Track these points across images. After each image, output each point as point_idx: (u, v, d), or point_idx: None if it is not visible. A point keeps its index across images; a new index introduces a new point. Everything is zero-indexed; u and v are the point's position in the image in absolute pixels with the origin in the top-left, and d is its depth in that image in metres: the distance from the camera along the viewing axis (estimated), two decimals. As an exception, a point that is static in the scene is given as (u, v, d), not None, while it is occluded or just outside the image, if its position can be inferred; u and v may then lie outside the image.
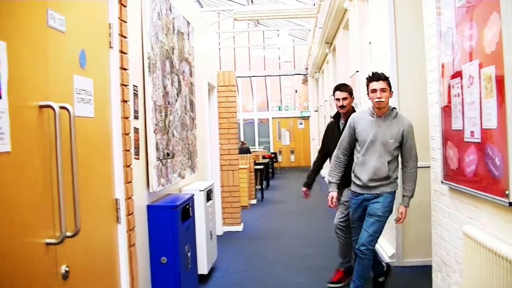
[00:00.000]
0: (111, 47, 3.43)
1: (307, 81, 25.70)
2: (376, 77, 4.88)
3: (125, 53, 3.62)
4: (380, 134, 4.91)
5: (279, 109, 27.19)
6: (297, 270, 6.65)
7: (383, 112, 4.94)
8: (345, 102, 5.84)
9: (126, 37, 3.65)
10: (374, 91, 4.83)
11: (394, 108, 5.03)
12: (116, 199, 3.45)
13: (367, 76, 4.95)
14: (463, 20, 3.64)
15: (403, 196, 5.03)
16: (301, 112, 26.27)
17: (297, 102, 27.72)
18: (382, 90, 4.80)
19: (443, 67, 4.20)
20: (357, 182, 5.08)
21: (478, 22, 3.37)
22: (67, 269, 2.66)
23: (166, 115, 5.40)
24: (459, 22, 3.75)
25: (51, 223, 2.52)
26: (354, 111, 5.89)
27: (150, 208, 4.69)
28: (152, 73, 4.84)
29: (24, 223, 2.30)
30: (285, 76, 26.79)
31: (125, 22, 3.64)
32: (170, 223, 4.81)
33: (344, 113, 5.91)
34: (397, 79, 6.55)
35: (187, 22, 6.64)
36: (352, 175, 5.15)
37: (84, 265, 2.89)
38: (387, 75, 4.92)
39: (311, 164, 6.52)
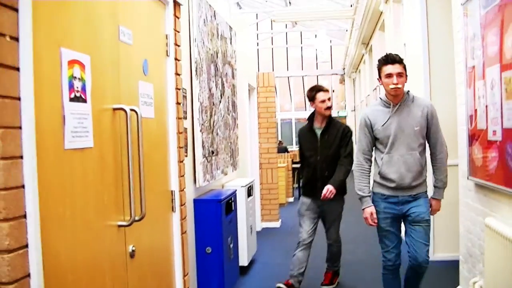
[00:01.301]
0: (167, 56, 3.88)
1: (344, 81, 25.97)
2: (391, 59, 4.26)
3: (178, 60, 4.06)
4: (404, 124, 4.32)
5: (316, 109, 27.43)
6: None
7: (399, 99, 4.34)
8: (330, 103, 5.63)
9: (179, 46, 4.10)
10: (389, 76, 4.22)
11: (409, 91, 4.45)
12: (172, 191, 3.90)
13: (380, 58, 4.37)
14: (487, 26, 3.96)
15: (435, 187, 4.51)
16: (338, 112, 26.47)
17: (334, 101, 27.97)
18: (399, 74, 4.21)
19: (470, 70, 4.52)
20: (388, 184, 4.41)
21: (500, 29, 3.71)
22: (133, 248, 3.11)
23: (211, 115, 5.84)
24: (483, 28, 4.07)
25: (122, 208, 2.97)
26: (330, 116, 5.70)
27: (197, 202, 5.11)
28: (199, 76, 5.28)
29: (102, 207, 2.76)
30: (322, 76, 27.07)
31: (179, 32, 4.09)
32: (215, 215, 5.23)
33: (323, 116, 5.63)
34: (429, 80, 6.83)
35: (230, 26, 7.07)
36: (377, 178, 4.50)
37: (146, 246, 3.34)
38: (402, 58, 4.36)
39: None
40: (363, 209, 4.56)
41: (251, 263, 7.02)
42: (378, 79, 4.45)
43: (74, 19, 2.53)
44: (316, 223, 5.72)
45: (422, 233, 4.37)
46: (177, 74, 4.00)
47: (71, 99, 2.43)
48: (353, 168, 4.79)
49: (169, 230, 3.85)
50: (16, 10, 2.03)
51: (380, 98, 4.50)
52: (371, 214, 4.49)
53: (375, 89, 13.24)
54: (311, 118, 5.76)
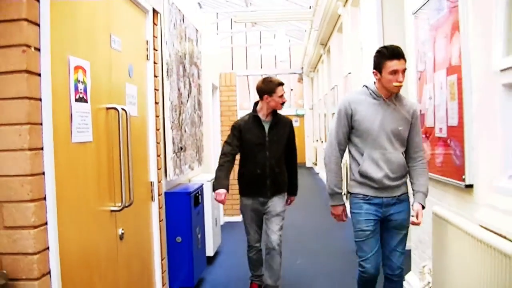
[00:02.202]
0: (148, 59, 4.30)
1: (302, 79, 26.57)
2: (397, 53, 3.83)
3: (156, 63, 4.49)
4: (388, 121, 3.97)
5: (274, 107, 28.00)
6: (294, 254, 7.38)
7: (389, 95, 3.99)
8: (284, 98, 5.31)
9: (157, 50, 4.52)
10: (394, 72, 3.82)
11: None
12: (151, 182, 4.33)
13: (382, 50, 3.93)
14: (436, 34, 4.47)
15: (416, 192, 4.09)
16: (296, 110, 27.07)
17: (293, 100, 28.55)
18: (404, 71, 3.87)
19: (420, 73, 5.01)
20: (370, 183, 4.01)
21: (446, 38, 4.21)
22: (122, 231, 3.54)
23: (179, 114, 6.25)
24: (432, 35, 4.58)
25: (113, 195, 3.39)
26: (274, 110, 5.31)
27: (168, 194, 5.50)
28: (169, 77, 5.69)
29: (98, 194, 3.18)
30: (281, 75, 27.63)
31: (157, 37, 4.51)
32: (185, 207, 5.63)
33: (269, 111, 5.25)
34: None
35: (196, 29, 7.49)
36: (356, 174, 4.09)
37: (132, 230, 3.77)
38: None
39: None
40: (335, 206, 4.18)
41: (216, 254, 7.45)
42: (374, 72, 3.96)
43: (78, 30, 2.95)
44: (262, 225, 5.45)
45: (400, 239, 4.13)
46: (155, 76, 4.43)
47: (76, 100, 2.86)
48: (326, 160, 4.20)
49: (149, 218, 4.28)
50: (38, 25, 2.45)
51: (366, 87, 4.07)
52: (343, 210, 4.21)
53: (333, 88, 13.74)
54: (255, 110, 5.30)
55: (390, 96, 3.98)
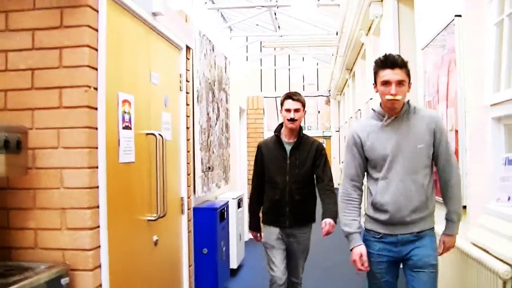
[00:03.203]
0: (181, 90, 4.97)
1: (329, 102, 27.19)
2: (390, 62, 3.38)
3: (188, 93, 5.15)
4: (404, 141, 3.45)
5: (303, 129, 28.64)
6: (313, 270, 7.87)
7: (397, 110, 3.48)
8: (297, 115, 4.72)
9: (189, 81, 5.19)
10: (386, 83, 3.38)
11: (409, 101, 3.55)
12: (182, 197, 4.96)
13: (377, 59, 3.51)
14: (439, 69, 4.98)
15: (447, 220, 3.62)
16: (323, 131, 27.66)
17: (320, 122, 29.16)
18: (399, 83, 3.35)
19: (428, 103, 5.49)
20: (381, 217, 3.51)
21: (446, 73, 4.70)
22: (157, 238, 4.18)
23: (208, 136, 6.91)
24: (436, 70, 5.06)
25: (149, 207, 4.04)
26: (301, 130, 4.87)
27: (196, 210, 6.12)
28: (199, 103, 6.35)
29: (138, 205, 3.84)
30: (308, 97, 28.27)
31: (189, 70, 5.18)
32: (211, 221, 6.27)
33: (291, 130, 4.77)
34: None
35: (225, 56, 8.17)
36: (370, 210, 3.61)
37: (165, 238, 4.40)
38: (405, 60, 3.49)
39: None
40: (351, 249, 3.58)
41: (240, 266, 8.06)
42: (373, 85, 3.59)
43: (125, 70, 3.63)
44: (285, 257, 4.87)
45: (428, 282, 3.48)
46: (187, 104, 5.09)
47: (123, 128, 3.53)
48: (338, 198, 3.77)
49: (179, 228, 4.91)
50: (96, 69, 3.12)
51: (373, 110, 3.63)
52: (361, 255, 3.52)
53: (357, 112, 14.28)
54: (278, 130, 4.89)
55: (397, 112, 3.47)
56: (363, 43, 11.91)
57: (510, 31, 4.01)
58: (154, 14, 4.07)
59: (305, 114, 4.90)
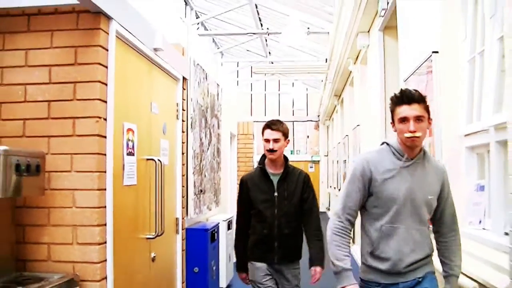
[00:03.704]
0: (177, 118, 5.37)
1: (318, 127, 27.68)
2: (407, 97, 3.17)
3: (184, 121, 5.55)
4: (417, 188, 3.22)
5: (291, 153, 29.04)
6: None
7: (416, 152, 3.25)
8: (277, 146, 4.47)
9: (184, 110, 5.59)
10: (404, 120, 3.15)
11: (423, 147, 3.35)
12: (177, 218, 5.34)
13: (393, 96, 3.29)
14: None
15: (448, 275, 3.39)
16: (312, 156, 28.10)
17: (309, 146, 29.63)
18: (417, 118, 3.12)
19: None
20: (382, 266, 3.25)
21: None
22: (154, 255, 4.55)
23: (200, 161, 7.31)
24: None
25: (149, 225, 4.43)
26: (286, 160, 4.65)
27: (188, 230, 6.49)
28: (193, 129, 6.76)
29: (139, 224, 4.23)
30: (298, 122, 28.76)
31: (185, 99, 5.59)
32: (203, 242, 6.65)
33: (272, 161, 4.56)
34: (385, 135, 7.85)
35: (217, 84, 8.60)
36: (368, 259, 3.32)
37: (161, 255, 4.77)
38: (423, 94, 3.25)
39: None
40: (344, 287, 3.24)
41: (228, 286, 8.41)
42: (391, 124, 3.34)
43: (130, 101, 4.04)
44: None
45: None
46: (182, 131, 5.50)
47: (127, 154, 3.93)
48: (330, 229, 3.37)
49: (174, 247, 5.29)
50: (106, 102, 3.53)
51: (387, 144, 3.37)
52: None
53: (345, 137, 14.70)
54: (262, 162, 4.69)
55: (416, 155, 3.25)
56: (351, 71, 12.33)
57: (481, 67, 4.45)
58: (155, 50, 4.49)
59: (287, 143, 4.62)
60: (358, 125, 11.21)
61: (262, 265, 4.51)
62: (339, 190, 16.94)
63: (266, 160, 4.62)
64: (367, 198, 3.30)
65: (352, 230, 3.53)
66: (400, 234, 3.20)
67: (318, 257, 4.48)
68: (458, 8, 4.65)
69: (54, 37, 3.52)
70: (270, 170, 4.59)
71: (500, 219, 3.86)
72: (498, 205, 3.93)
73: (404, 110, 3.13)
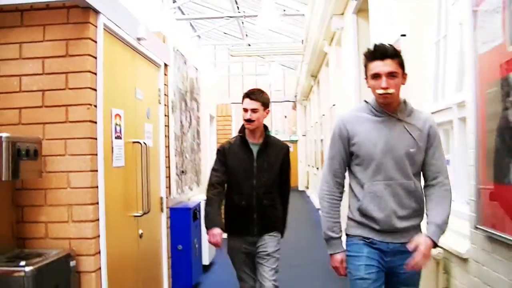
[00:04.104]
0: (159, 103, 5.67)
1: (296, 107, 28.05)
2: (380, 53, 3.11)
3: (166, 105, 5.85)
4: (396, 142, 3.18)
5: (270, 133, 29.41)
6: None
7: (393, 107, 3.21)
8: (255, 116, 4.44)
9: (166, 95, 5.89)
10: (376, 76, 3.10)
11: (405, 100, 3.30)
12: (161, 197, 5.66)
13: (366, 51, 3.23)
14: None
15: (432, 224, 3.16)
16: (290, 136, 28.51)
17: (287, 126, 30.03)
18: (390, 75, 3.07)
19: None
20: (372, 224, 3.22)
21: None
22: (141, 232, 4.87)
23: (181, 143, 7.61)
24: None
25: (135, 204, 4.74)
26: (266, 130, 4.64)
27: (171, 210, 6.76)
28: (174, 112, 7.05)
29: (127, 204, 4.54)
30: (276, 103, 29.09)
31: (166, 85, 5.88)
32: (185, 220, 6.97)
33: (251, 131, 4.52)
34: None
35: (196, 68, 8.89)
36: (354, 213, 3.30)
37: (148, 231, 5.09)
38: (398, 49, 3.22)
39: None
40: (332, 255, 3.37)
41: (211, 263, 8.75)
42: (365, 79, 3.27)
43: (117, 89, 4.33)
44: (254, 268, 4.60)
45: None
46: (165, 115, 5.79)
47: (115, 138, 4.23)
48: (319, 198, 3.43)
49: (159, 225, 5.61)
50: (96, 90, 3.82)
51: (366, 101, 3.33)
52: (342, 261, 3.34)
53: (323, 115, 15.04)
54: (242, 130, 4.63)
55: (393, 110, 3.21)
56: (326, 53, 12.65)
57: (445, 49, 4.81)
58: (139, 39, 4.77)
59: (267, 114, 4.59)
60: (334, 105, 11.52)
61: (238, 244, 4.55)
62: (317, 169, 17.35)
63: (246, 130, 4.56)
64: (350, 158, 3.31)
65: (342, 191, 3.39)
66: (384, 190, 3.16)
67: (282, 221, 4.73)
68: None
69: (46, 31, 3.79)
70: (250, 139, 4.54)
71: (463, 190, 4.14)
72: (461, 177, 4.23)
73: (377, 66, 3.09)
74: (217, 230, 4.47)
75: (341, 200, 3.40)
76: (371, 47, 3.18)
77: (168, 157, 5.92)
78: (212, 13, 19.15)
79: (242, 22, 19.41)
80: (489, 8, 3.22)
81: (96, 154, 3.82)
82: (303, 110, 26.45)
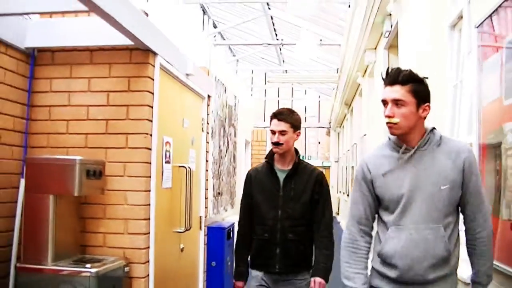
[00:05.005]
0: (202, 131, 6.32)
1: (329, 133, 28.60)
2: (389, 78, 2.84)
3: (208, 133, 6.51)
4: (423, 179, 2.81)
5: (303, 158, 29.95)
6: None
7: (414, 139, 2.86)
8: (283, 138, 3.99)
9: (208, 123, 6.55)
10: (384, 104, 2.86)
11: (434, 129, 2.91)
12: (200, 216, 6.29)
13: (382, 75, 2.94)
14: None
15: (473, 283, 2.90)
16: (323, 162, 29.02)
17: (320, 152, 30.59)
18: (395, 102, 2.77)
19: None
20: (390, 273, 2.88)
21: None
22: (183, 246, 5.50)
23: (219, 166, 8.26)
24: None
25: (178, 221, 5.37)
26: (298, 154, 4.18)
27: (208, 228, 7.43)
28: (213, 138, 7.70)
29: (172, 221, 5.19)
30: (310, 128, 29.73)
31: (209, 114, 6.54)
32: (220, 239, 7.56)
33: (280, 155, 4.10)
34: None
35: (235, 96, 9.56)
36: (377, 263, 2.98)
37: (188, 247, 5.72)
38: (418, 74, 2.85)
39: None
40: None
41: (241, 281, 9.30)
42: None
43: (168, 119, 5.00)
44: None
45: None
46: (207, 142, 6.45)
47: (165, 162, 4.89)
48: (342, 242, 3.07)
49: (198, 241, 6.24)
50: (151, 121, 4.48)
51: (389, 138, 2.99)
52: None
53: (354, 144, 15.54)
54: (270, 155, 4.18)
55: (416, 143, 2.85)
56: (359, 83, 13.18)
57: (461, 93, 5.34)
58: (187, 75, 5.44)
59: (298, 136, 4.13)
60: (365, 135, 12.01)
61: (258, 274, 4.09)
62: (348, 195, 17.83)
63: (275, 155, 4.14)
64: (378, 202, 2.97)
65: (368, 241, 3.03)
66: (408, 236, 2.78)
67: (319, 267, 3.99)
68: (444, 41, 5.49)
69: (111, 68, 4.49)
70: (278, 165, 4.12)
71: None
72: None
73: (385, 92, 2.83)
74: (239, 284, 4.21)
75: (367, 250, 3.01)
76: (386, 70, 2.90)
77: (207, 180, 6.55)
78: (251, 39, 19.88)
79: (280, 49, 20.11)
80: (491, 64, 3.75)
81: (150, 177, 4.47)
82: (336, 136, 26.97)
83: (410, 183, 2.81)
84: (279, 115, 4.05)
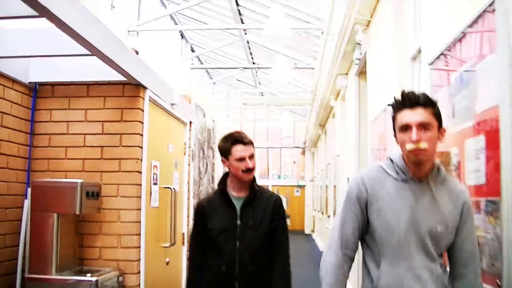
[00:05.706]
0: (184, 154, 6.92)
1: (304, 153, 29.27)
2: (409, 100, 2.54)
3: (189, 156, 7.11)
4: (423, 216, 2.60)
5: (279, 178, 30.73)
6: None
7: (425, 171, 2.62)
8: (253, 163, 3.73)
9: (190, 147, 7.15)
10: (405, 128, 2.53)
11: (440, 165, 2.69)
12: (183, 233, 6.87)
13: (393, 101, 2.65)
14: (381, 140, 6.94)
15: None
16: (298, 181, 29.74)
17: (295, 171, 31.26)
18: (421, 126, 2.49)
19: None
20: None
21: (383, 144, 6.68)
22: (168, 260, 6.07)
23: (198, 187, 8.84)
24: (380, 141, 7.04)
25: (165, 237, 5.95)
26: (254, 180, 3.82)
27: (188, 245, 8.02)
28: (193, 160, 8.28)
29: (159, 236, 5.77)
30: (285, 148, 30.40)
31: (190, 138, 7.14)
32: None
33: (240, 182, 3.76)
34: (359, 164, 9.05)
35: (213, 120, 10.15)
36: None
37: (173, 261, 6.29)
38: (433, 99, 2.61)
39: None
40: None
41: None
42: (394, 136, 2.68)
43: (155, 145, 5.59)
44: None
45: None
46: (188, 164, 7.05)
47: (153, 184, 5.48)
48: (323, 266, 2.76)
49: (181, 255, 6.81)
50: (141, 147, 5.07)
51: (391, 160, 2.71)
52: None
53: (328, 164, 16.13)
54: (223, 182, 3.88)
55: (424, 173, 2.63)
56: (332, 106, 13.78)
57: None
58: (172, 104, 6.05)
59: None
60: (338, 155, 12.58)
61: None
62: (322, 213, 18.45)
63: (228, 181, 3.84)
64: (367, 226, 2.71)
65: (350, 267, 2.77)
66: (405, 274, 2.58)
67: None
68: (407, 71, 5.94)
69: (106, 101, 5.09)
70: (233, 192, 3.78)
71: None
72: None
73: (405, 116, 2.53)
74: None
75: (347, 276, 2.76)
76: (398, 96, 2.62)
77: (189, 199, 7.14)
78: (229, 62, 20.54)
79: (256, 72, 20.80)
80: (442, 95, 4.03)
81: (140, 197, 5.06)
82: (311, 156, 27.56)
83: (409, 216, 2.58)
84: (244, 139, 3.75)
